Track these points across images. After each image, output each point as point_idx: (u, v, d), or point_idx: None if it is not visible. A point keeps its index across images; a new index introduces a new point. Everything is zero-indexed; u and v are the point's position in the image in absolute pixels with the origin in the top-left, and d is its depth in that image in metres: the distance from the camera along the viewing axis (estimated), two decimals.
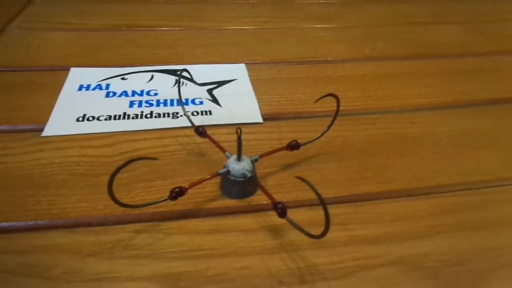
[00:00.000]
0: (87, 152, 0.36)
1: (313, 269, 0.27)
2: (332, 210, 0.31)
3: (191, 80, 0.47)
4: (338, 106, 0.35)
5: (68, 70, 0.48)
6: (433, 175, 0.35)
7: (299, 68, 0.52)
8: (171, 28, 0.61)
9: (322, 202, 0.23)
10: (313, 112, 0.43)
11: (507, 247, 0.29)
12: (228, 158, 0.32)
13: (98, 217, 0.30)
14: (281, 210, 0.27)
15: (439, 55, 0.58)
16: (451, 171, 0.36)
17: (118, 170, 0.25)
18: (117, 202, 0.26)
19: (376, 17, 0.70)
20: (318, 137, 0.36)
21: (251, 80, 0.48)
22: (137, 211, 0.30)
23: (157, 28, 0.60)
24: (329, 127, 0.36)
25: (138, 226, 0.29)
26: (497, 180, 0.35)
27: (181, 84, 0.46)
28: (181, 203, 0.31)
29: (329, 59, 0.55)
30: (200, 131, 0.35)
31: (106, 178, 0.33)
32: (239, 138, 0.30)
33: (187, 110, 0.42)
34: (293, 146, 0.34)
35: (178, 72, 0.34)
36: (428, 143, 0.39)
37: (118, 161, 0.35)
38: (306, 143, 0.35)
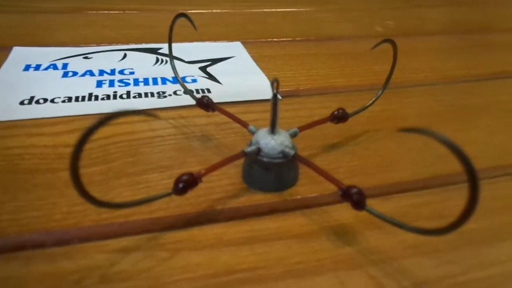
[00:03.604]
0: (36, 142, 0.24)
1: None
2: (413, 199, 0.21)
3: (177, 58, 0.37)
4: (395, 55, 0.25)
5: (11, 50, 0.36)
6: None
7: (307, 45, 0.42)
8: (142, 11, 0.50)
9: (468, 164, 0.13)
10: (339, 87, 0.34)
11: None
12: (253, 133, 0.22)
13: (55, 231, 0.18)
14: (357, 196, 0.17)
15: (457, 31, 0.51)
16: None
17: (90, 131, 0.14)
18: (89, 197, 0.15)
19: (372, 1, 0.63)
20: (372, 103, 0.26)
21: (252, 57, 0.38)
22: (121, 217, 0.19)
23: (126, 11, 0.50)
24: (384, 87, 0.26)
25: (124, 241, 0.18)
26: None
27: (163, 63, 0.36)
28: (189, 204, 0.20)
29: (337, 37, 0.46)
30: (206, 102, 0.25)
31: (66, 175, 0.21)
32: (275, 96, 0.20)
33: (176, 89, 0.31)
34: (340, 116, 0.24)
35: (174, 18, 0.24)
36: (499, 114, 0.30)
37: (86, 150, 0.23)
38: (357, 112, 0.25)
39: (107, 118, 0.13)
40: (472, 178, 0.13)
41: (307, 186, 0.22)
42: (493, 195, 0.22)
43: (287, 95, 0.32)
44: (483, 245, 0.18)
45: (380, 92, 0.26)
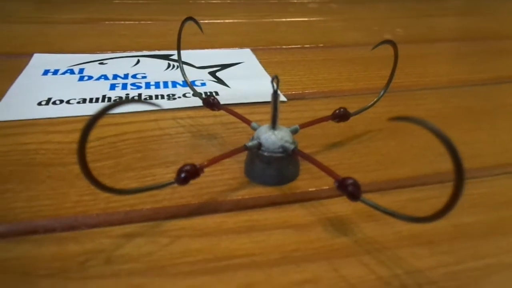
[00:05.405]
0: (51, 138, 0.25)
1: (420, 276, 0.16)
2: (412, 194, 0.22)
3: (188, 64, 0.38)
4: (396, 56, 0.26)
5: (32, 56, 0.38)
6: None
7: (315, 52, 0.43)
8: (157, 21, 0.52)
9: (452, 148, 0.14)
10: (345, 91, 0.34)
11: None
12: (255, 129, 0.23)
13: (64, 218, 0.19)
14: (353, 188, 0.18)
15: (465, 38, 0.51)
16: None
17: (100, 114, 0.15)
18: (95, 182, 0.16)
19: (382, 11, 0.64)
20: (374, 103, 0.27)
21: (261, 63, 0.39)
22: (127, 206, 0.20)
23: (142, 22, 0.52)
24: (386, 87, 0.27)
25: (128, 228, 0.19)
26: None
27: (174, 68, 0.37)
28: (192, 195, 0.21)
29: (346, 44, 0.47)
30: (212, 101, 0.26)
31: (77, 168, 0.22)
32: (275, 92, 0.20)
33: (185, 92, 0.32)
34: (342, 115, 0.25)
35: (183, 22, 0.25)
36: (504, 116, 0.30)
37: (96, 147, 0.24)
38: (359, 111, 0.26)
39: (112, 106, 0.15)
40: (457, 164, 0.14)
41: (307, 180, 0.22)
42: (492, 192, 0.22)
43: (292, 98, 0.32)
44: (478, 238, 0.19)
45: (382, 92, 0.27)
